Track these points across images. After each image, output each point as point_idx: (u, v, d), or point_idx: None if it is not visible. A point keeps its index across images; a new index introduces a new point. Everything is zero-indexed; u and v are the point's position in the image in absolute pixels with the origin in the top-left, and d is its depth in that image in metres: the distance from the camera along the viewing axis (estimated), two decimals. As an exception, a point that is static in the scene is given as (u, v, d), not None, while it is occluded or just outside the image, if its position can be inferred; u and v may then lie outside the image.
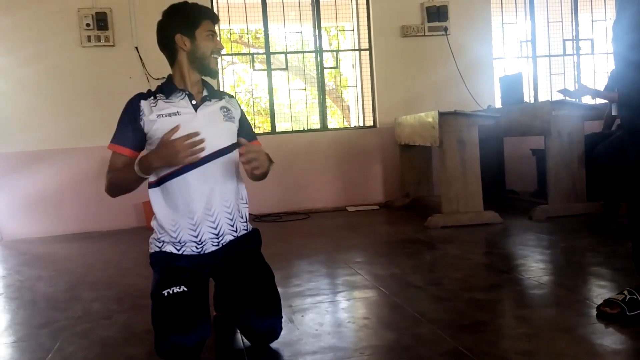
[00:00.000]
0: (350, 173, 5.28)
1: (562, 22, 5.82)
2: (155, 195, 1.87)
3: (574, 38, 5.86)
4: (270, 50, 5.35)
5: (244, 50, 7.54)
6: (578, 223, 3.70)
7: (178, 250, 1.83)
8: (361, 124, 5.54)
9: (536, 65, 5.79)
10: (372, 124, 5.44)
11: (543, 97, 5.77)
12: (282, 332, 1.87)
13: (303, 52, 5.63)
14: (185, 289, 1.72)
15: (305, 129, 5.50)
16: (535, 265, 2.69)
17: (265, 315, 1.78)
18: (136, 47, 4.81)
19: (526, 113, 4.17)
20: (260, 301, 1.79)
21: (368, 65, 5.44)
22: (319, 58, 5.41)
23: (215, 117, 1.90)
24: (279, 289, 2.51)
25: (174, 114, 1.84)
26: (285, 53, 5.48)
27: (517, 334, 1.82)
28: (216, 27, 1.87)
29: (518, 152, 5.34)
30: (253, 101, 5.73)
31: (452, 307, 2.10)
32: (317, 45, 5.39)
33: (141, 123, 1.85)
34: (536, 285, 2.34)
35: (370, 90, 5.45)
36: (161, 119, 1.82)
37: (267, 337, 1.80)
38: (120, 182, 1.87)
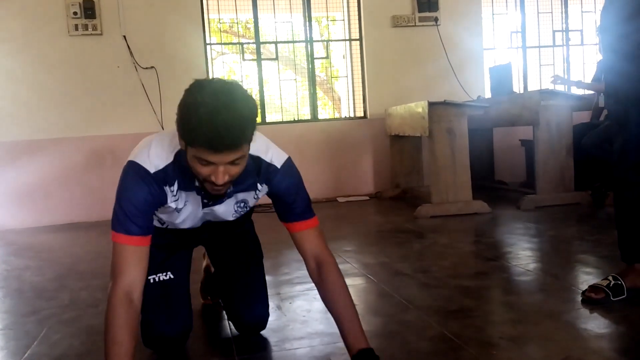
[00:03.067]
0: (340, 164, 5.28)
1: (552, 13, 5.84)
2: None
3: (564, 29, 5.88)
4: (261, 40, 5.32)
5: (234, 40, 7.50)
6: (566, 212, 3.72)
7: (162, 224, 1.67)
8: (352, 115, 5.53)
9: (526, 56, 5.80)
10: (362, 114, 5.44)
11: (532, 88, 5.79)
12: (270, 319, 1.88)
13: (293, 42, 5.61)
14: (172, 276, 1.71)
15: (296, 119, 5.49)
16: (522, 253, 2.71)
17: (254, 306, 1.78)
18: (124, 36, 4.77)
19: (515, 103, 4.19)
20: (248, 293, 1.80)
21: (358, 55, 5.43)
22: (309, 48, 5.39)
23: (221, 215, 1.59)
24: (268, 278, 2.52)
25: (180, 209, 1.50)
26: (276, 43, 5.46)
27: (503, 320, 1.83)
28: (223, 157, 1.21)
29: (507, 142, 5.37)
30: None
31: (439, 294, 2.12)
32: (308, 35, 5.37)
33: (162, 206, 1.46)
34: (523, 273, 2.36)
35: (360, 80, 5.44)
36: (171, 213, 1.51)
37: (256, 328, 1.81)
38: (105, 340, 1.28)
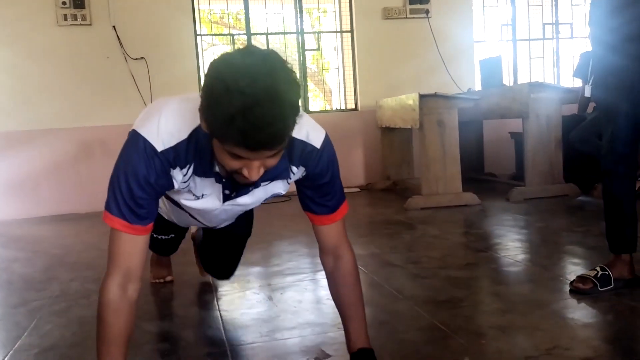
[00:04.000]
0: (331, 156, 5.27)
1: (542, 6, 5.86)
2: None
3: (554, 22, 5.91)
4: (251, 32, 5.30)
5: (225, 31, 7.46)
6: (554, 204, 3.76)
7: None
8: (343, 107, 5.53)
9: (516, 48, 5.82)
10: (353, 107, 5.44)
11: (522, 80, 5.81)
12: (261, 309, 1.92)
13: (284, 33, 5.59)
14: (173, 236, 2.09)
15: (287, 111, 5.48)
16: (511, 244, 2.73)
17: (223, 272, 2.09)
18: (113, 26, 4.73)
19: (505, 96, 4.21)
20: (223, 263, 2.05)
21: (350, 47, 5.42)
22: (300, 40, 5.38)
23: (244, 207, 1.47)
24: (258, 269, 2.53)
25: (200, 197, 1.33)
26: (267, 34, 5.43)
27: (492, 310, 1.85)
28: (260, 154, 1.01)
29: (497, 135, 5.40)
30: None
31: (429, 285, 2.13)
32: (299, 27, 5.35)
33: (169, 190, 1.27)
34: (511, 263, 2.38)
35: (352, 72, 5.44)
36: (186, 193, 1.32)
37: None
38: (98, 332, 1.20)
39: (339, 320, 1.40)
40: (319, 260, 1.42)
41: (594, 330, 1.64)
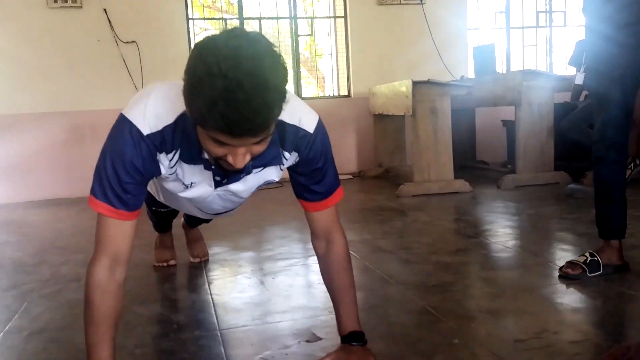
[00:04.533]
0: (323, 142, 5.26)
1: (536, -7, 5.85)
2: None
3: (547, 10, 5.90)
4: (244, 16, 5.25)
5: (217, 15, 7.39)
6: (545, 192, 3.78)
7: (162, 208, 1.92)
8: (335, 94, 5.52)
9: (509, 36, 5.82)
10: (346, 93, 5.43)
11: (516, 68, 5.82)
12: (253, 294, 1.92)
13: (277, 18, 5.54)
14: (168, 208, 2.00)
15: (279, 97, 5.45)
16: (501, 231, 2.75)
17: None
18: (104, 9, 4.67)
19: (498, 83, 4.21)
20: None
21: (343, 33, 5.39)
22: (293, 25, 5.34)
23: (238, 194, 1.41)
24: (250, 254, 2.54)
25: (188, 186, 1.30)
26: (259, 19, 5.39)
27: (482, 294, 1.87)
28: (244, 140, 0.98)
29: (489, 123, 5.41)
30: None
31: (420, 270, 2.15)
32: (292, 12, 5.31)
33: (156, 176, 1.25)
34: (502, 249, 2.40)
35: (345, 59, 5.41)
36: (174, 182, 1.29)
37: None
38: (85, 324, 1.19)
39: (330, 304, 1.40)
40: (310, 246, 1.42)
41: (583, 314, 1.66)
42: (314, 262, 2.33)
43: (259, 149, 1.03)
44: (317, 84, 6.56)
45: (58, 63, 4.66)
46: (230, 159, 1.02)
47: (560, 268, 1.97)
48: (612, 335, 1.49)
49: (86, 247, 2.80)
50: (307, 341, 1.52)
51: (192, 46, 0.97)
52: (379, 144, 5.11)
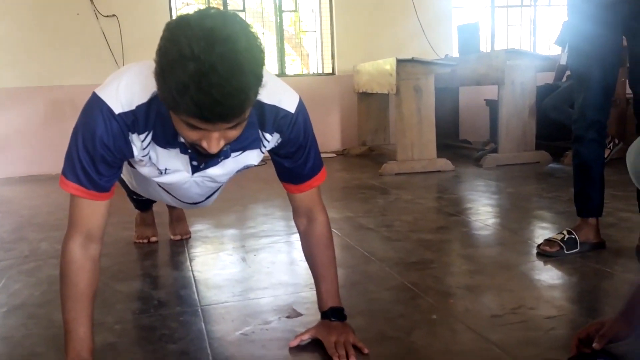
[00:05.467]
0: (307, 120, 5.24)
1: (521, -28, 5.83)
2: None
3: (532, -11, 5.89)
4: (227, -9, 5.16)
5: (200, -9, 7.25)
6: (526, 171, 3.82)
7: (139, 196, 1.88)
8: (320, 71, 5.47)
9: (494, 15, 5.80)
10: (331, 71, 5.39)
11: (500, 47, 5.82)
12: (234, 270, 1.93)
13: (261, -6, 5.46)
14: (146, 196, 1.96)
15: (263, 74, 5.40)
16: (482, 209, 2.78)
17: None
18: (83, -18, 4.55)
19: (482, 62, 4.21)
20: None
21: (328, 10, 5.33)
22: (277, 1, 5.26)
23: (217, 179, 1.38)
24: (233, 231, 2.53)
25: (163, 172, 1.27)
26: (243, -6, 5.29)
27: (461, 271, 1.89)
28: (218, 126, 0.94)
29: (473, 102, 5.42)
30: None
31: (401, 247, 2.16)
32: (276, -13, 5.23)
33: (129, 159, 1.21)
34: (482, 227, 2.42)
35: (330, 36, 5.36)
36: (149, 167, 1.25)
37: None
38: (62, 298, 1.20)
39: (312, 281, 1.42)
40: (293, 224, 1.43)
41: (559, 291, 1.69)
42: (296, 239, 2.33)
43: (233, 133, 1.00)
44: (301, 61, 6.50)
45: (36, 37, 4.55)
46: (204, 144, 0.99)
47: (539, 245, 2.00)
48: (588, 311, 1.52)
49: (65, 224, 2.74)
50: (288, 317, 1.53)
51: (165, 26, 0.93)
52: (362, 123, 5.10)
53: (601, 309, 1.59)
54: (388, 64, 4.00)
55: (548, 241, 1.98)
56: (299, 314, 1.54)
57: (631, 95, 1.95)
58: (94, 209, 1.16)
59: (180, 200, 1.69)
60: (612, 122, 3.65)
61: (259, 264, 2.03)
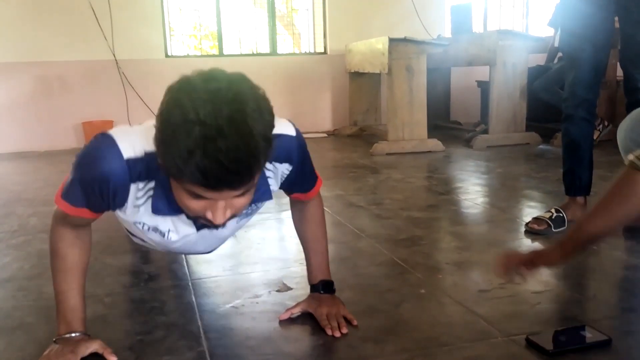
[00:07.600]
0: (299, 100, 5.23)
1: (515, -47, 5.79)
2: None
3: (526, -30, 5.86)
4: (218, -33, 5.09)
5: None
6: (515, 151, 3.85)
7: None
8: (312, 50, 5.44)
9: (487, -4, 5.78)
10: (322, 50, 5.36)
11: (492, 28, 5.80)
12: (225, 246, 1.87)
13: (253, -29, 5.39)
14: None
15: (254, 53, 5.36)
16: (472, 188, 2.80)
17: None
18: (72, -45, 4.47)
19: (474, 43, 4.20)
20: None
21: (320, -13, 5.28)
22: (269, -22, 5.20)
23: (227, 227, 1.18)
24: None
25: (164, 233, 1.18)
26: (234, -29, 5.23)
27: (450, 247, 1.91)
28: (224, 194, 0.89)
29: (464, 84, 5.42)
30: (200, 25, 5.51)
31: (390, 224, 2.18)
32: (268, -37, 5.16)
33: (118, 208, 1.12)
34: (471, 206, 2.44)
35: (322, 15, 5.32)
36: (142, 226, 1.17)
37: None
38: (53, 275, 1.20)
39: (302, 256, 1.43)
40: (284, 201, 1.43)
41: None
42: (287, 216, 2.34)
43: (241, 202, 0.93)
44: (293, 40, 6.45)
45: (25, 12, 4.47)
46: (209, 215, 0.92)
47: (527, 223, 2.02)
48: (573, 287, 1.55)
49: (54, 199, 2.76)
50: (278, 290, 1.54)
51: (166, 89, 0.87)
52: (354, 103, 5.09)
53: (586, 284, 1.62)
54: (380, 43, 3.99)
55: (536, 219, 2.01)
56: (289, 288, 1.55)
57: (621, 78, 1.96)
58: (83, 219, 1.12)
59: (183, 252, 1.57)
60: (601, 103, 3.67)
61: (250, 240, 2.03)
